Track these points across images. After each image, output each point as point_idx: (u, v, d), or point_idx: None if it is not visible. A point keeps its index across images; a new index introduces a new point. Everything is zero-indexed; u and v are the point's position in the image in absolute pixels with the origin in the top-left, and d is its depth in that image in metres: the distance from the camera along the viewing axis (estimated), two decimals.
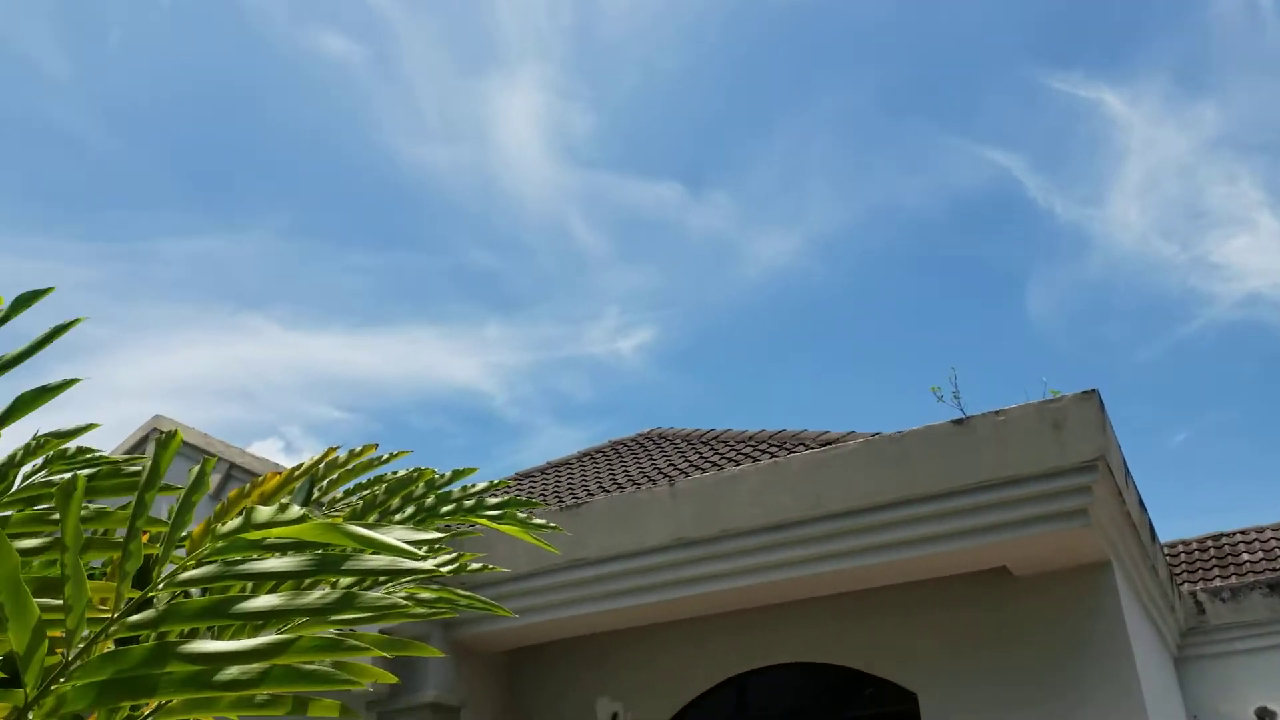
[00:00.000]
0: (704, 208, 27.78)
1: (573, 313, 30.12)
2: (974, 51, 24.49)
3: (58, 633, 1.35)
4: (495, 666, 8.44)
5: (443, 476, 2.51)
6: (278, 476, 2.50)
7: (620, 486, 9.65)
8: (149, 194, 26.46)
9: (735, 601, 7.25)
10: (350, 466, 2.66)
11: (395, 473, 2.59)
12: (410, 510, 2.48)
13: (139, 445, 9.51)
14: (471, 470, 2.52)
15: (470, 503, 2.52)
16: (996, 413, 6.14)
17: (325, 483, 2.62)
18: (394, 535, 1.27)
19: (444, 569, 1.99)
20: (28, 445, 1.51)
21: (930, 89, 24.46)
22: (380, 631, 7.43)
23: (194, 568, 1.31)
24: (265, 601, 1.36)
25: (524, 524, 2.51)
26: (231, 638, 1.51)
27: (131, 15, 23.70)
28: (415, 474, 2.46)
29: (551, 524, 2.57)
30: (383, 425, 33.00)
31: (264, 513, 1.25)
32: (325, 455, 2.61)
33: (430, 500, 2.49)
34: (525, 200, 27.98)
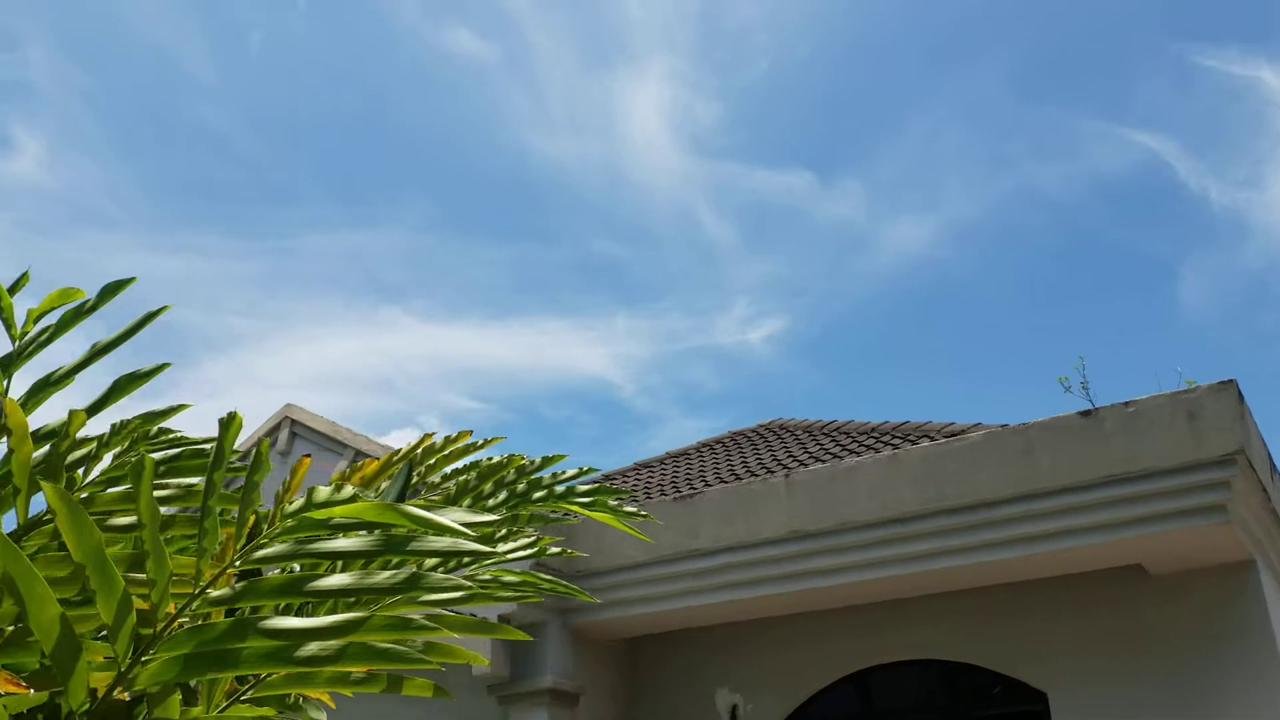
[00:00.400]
0: (834, 195, 27.35)
1: (701, 303, 30.08)
2: (1115, 31, 23.41)
3: (145, 605, 1.42)
4: (615, 654, 8.51)
5: (533, 462, 2.53)
6: (377, 462, 2.57)
7: (737, 477, 9.59)
8: (293, 191, 27.63)
9: (853, 596, 7.13)
10: (447, 452, 2.70)
11: (490, 459, 2.63)
12: (503, 496, 2.50)
13: (272, 433, 9.92)
14: (561, 457, 2.54)
15: (561, 489, 2.53)
16: (1126, 404, 5.88)
17: (424, 468, 2.67)
18: (451, 517, 1.28)
19: (518, 553, 2.01)
20: (114, 427, 1.58)
21: (1069, 71, 23.51)
22: (499, 618, 7.58)
23: (266, 546, 1.36)
24: (336, 580, 1.39)
25: (615, 511, 2.52)
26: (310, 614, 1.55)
27: (270, 18, 24.73)
28: (506, 460, 2.49)
29: (643, 513, 2.56)
30: (515, 415, 33.68)
31: (323, 492, 1.28)
32: (422, 441, 2.67)
33: (522, 486, 2.51)
34: (653, 191, 28.11)
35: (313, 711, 2.12)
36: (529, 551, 1.98)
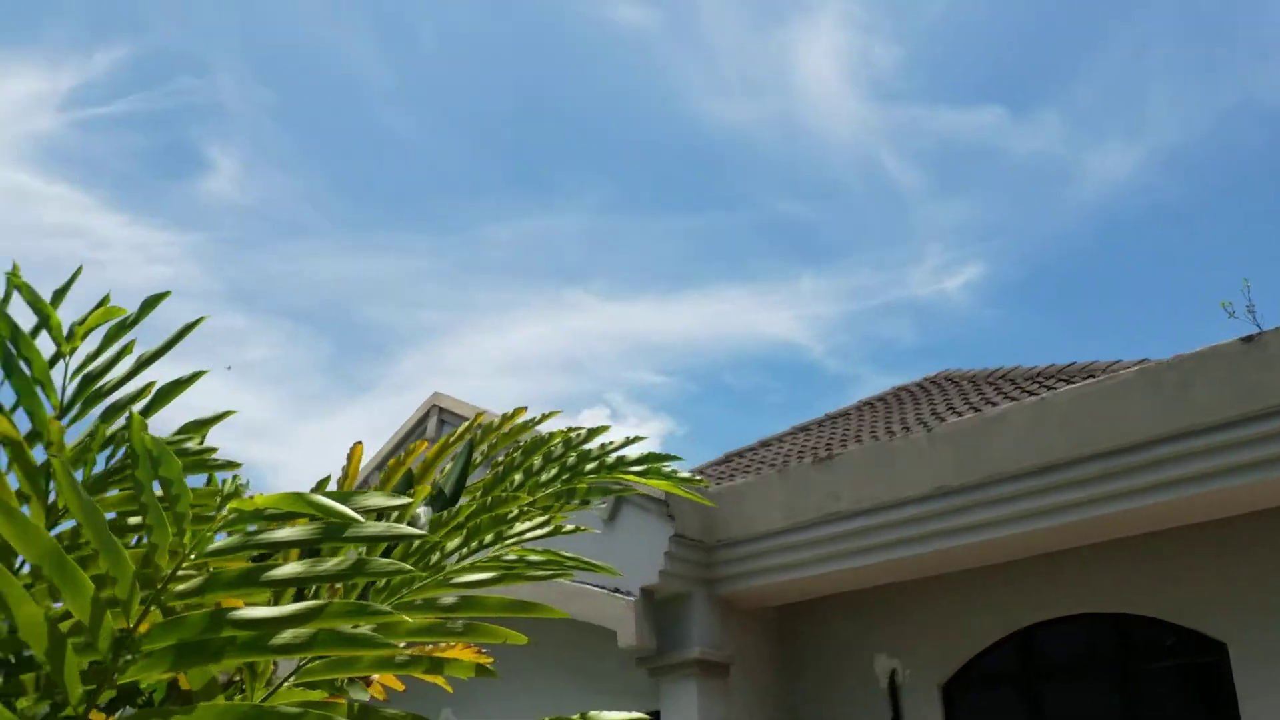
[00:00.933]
0: (1028, 129, 25.84)
1: (891, 256, 29.12)
2: None
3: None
4: (766, 622, 8.39)
5: (579, 434, 2.46)
6: (438, 443, 2.55)
7: (893, 435, 9.28)
8: (472, 183, 28.46)
9: (1005, 552, 6.79)
10: (506, 430, 2.66)
11: (581, 432, 2.57)
12: (554, 470, 2.45)
13: (420, 423, 10.20)
14: (605, 428, 2.45)
15: (611, 460, 2.45)
16: None
17: (485, 446, 2.63)
18: (366, 502, 1.22)
19: (535, 533, 1.93)
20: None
21: None
22: (641, 590, 7.57)
23: (212, 540, 1.32)
24: (288, 570, 1.36)
25: (671, 478, 2.43)
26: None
27: (439, 12, 25.40)
28: (550, 435, 2.42)
29: (698, 477, 2.46)
30: (700, 386, 33.72)
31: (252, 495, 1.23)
32: (475, 419, 2.63)
33: (572, 459, 2.45)
34: (833, 145, 27.40)
35: (355, 693, 2.11)
36: (543, 531, 1.90)
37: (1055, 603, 7.18)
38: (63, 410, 1.85)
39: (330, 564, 1.33)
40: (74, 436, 1.81)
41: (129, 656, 1.37)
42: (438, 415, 10.20)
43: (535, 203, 28.16)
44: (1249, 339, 5.47)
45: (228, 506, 1.25)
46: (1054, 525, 6.23)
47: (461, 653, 2.76)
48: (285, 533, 1.31)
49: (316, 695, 1.86)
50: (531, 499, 2.36)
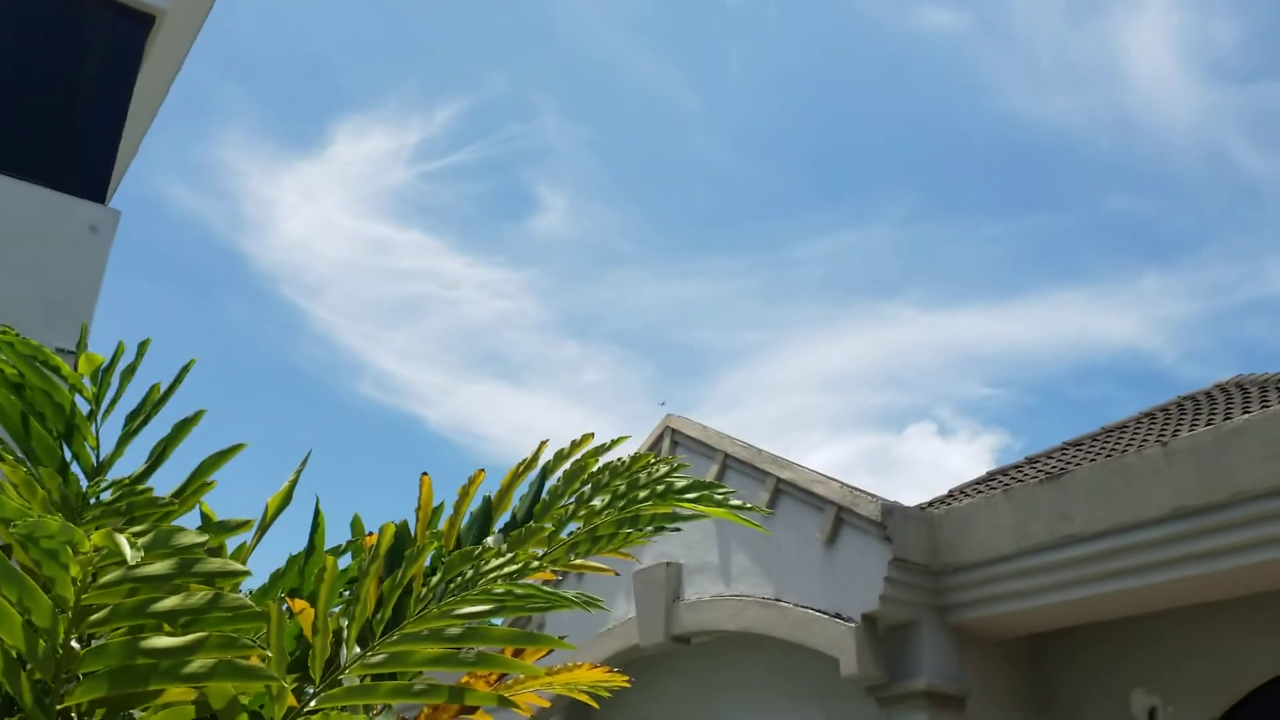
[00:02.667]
0: None
1: (1248, 248, 26.35)
2: None
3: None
4: (1012, 654, 7.84)
5: (622, 463, 2.42)
6: (510, 470, 2.61)
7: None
8: (781, 202, 28.82)
9: (1258, 581, 6.00)
10: (577, 456, 2.66)
11: (623, 460, 2.55)
12: (607, 498, 2.43)
13: (654, 445, 10.35)
14: (648, 456, 2.41)
15: (661, 488, 2.40)
16: None
17: (560, 472, 2.64)
18: (187, 538, 1.26)
19: (501, 571, 1.91)
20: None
21: None
22: (862, 616, 7.27)
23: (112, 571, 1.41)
24: (168, 602, 1.42)
25: (724, 505, 2.36)
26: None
27: (744, 35, 25.99)
28: (587, 463, 2.40)
29: (749, 504, 2.36)
30: (1037, 398, 31.96)
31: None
32: (541, 448, 2.65)
33: (621, 486, 2.42)
34: (1172, 134, 25.36)
35: (386, 716, 2.18)
36: (513, 568, 1.88)
37: None
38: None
39: (197, 598, 1.39)
40: None
41: (68, 680, 1.49)
42: (670, 437, 10.32)
43: (844, 217, 27.84)
44: None
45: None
46: None
47: (591, 674, 2.78)
48: (146, 569, 1.38)
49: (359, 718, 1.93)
50: (590, 526, 2.35)
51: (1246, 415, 5.84)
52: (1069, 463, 9.98)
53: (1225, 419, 9.58)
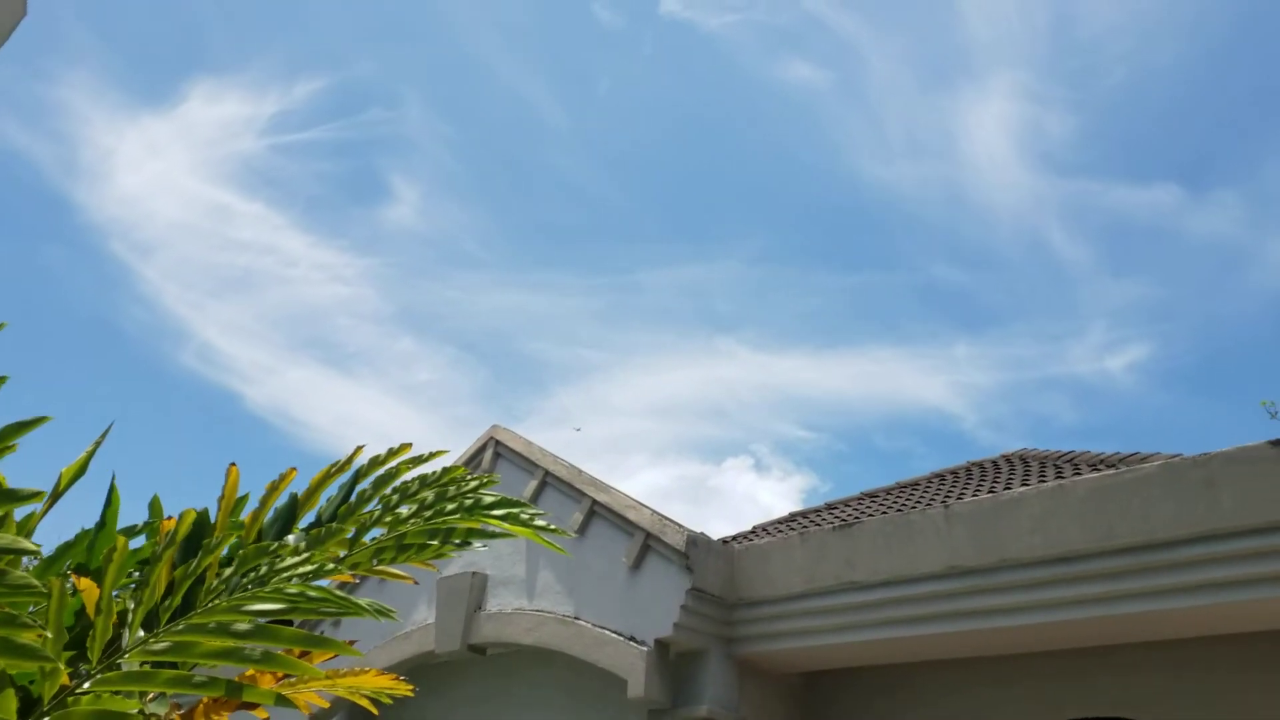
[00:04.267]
0: (1207, 210, 24.69)
1: (1052, 329, 28.18)
2: None
3: None
4: (789, 689, 8.21)
5: (435, 475, 2.49)
6: (321, 471, 2.63)
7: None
8: (634, 228, 29.02)
9: (1022, 642, 6.51)
10: (393, 464, 2.70)
11: (435, 472, 2.60)
12: (414, 507, 2.48)
13: (477, 454, 10.35)
14: (461, 469, 2.48)
15: (469, 502, 2.48)
16: None
17: (373, 477, 2.67)
18: None
19: (299, 570, 1.96)
20: None
21: None
22: (655, 642, 7.49)
23: None
24: None
25: (529, 525, 2.44)
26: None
27: (617, 64, 26.14)
28: (401, 471, 2.46)
29: (554, 527, 2.46)
30: (847, 445, 33.20)
31: None
32: (356, 452, 2.69)
33: (429, 497, 2.48)
34: (998, 213, 26.83)
35: (154, 707, 2.18)
36: (309, 568, 1.93)
37: (1083, 703, 6.84)
38: None
39: None
40: None
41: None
42: (494, 448, 10.34)
43: (692, 251, 28.36)
44: (1278, 443, 5.17)
45: None
46: (1072, 619, 5.97)
47: (375, 680, 2.81)
48: None
49: (121, 705, 1.92)
50: (397, 533, 2.40)
51: (1024, 488, 6.33)
52: (864, 512, 10.52)
53: (1006, 488, 10.32)
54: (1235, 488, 5.29)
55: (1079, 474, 8.86)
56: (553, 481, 9.25)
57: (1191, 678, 6.35)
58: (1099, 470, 8.16)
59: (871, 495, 13.21)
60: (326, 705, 2.73)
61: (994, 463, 12.70)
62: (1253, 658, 6.05)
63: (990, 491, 10.12)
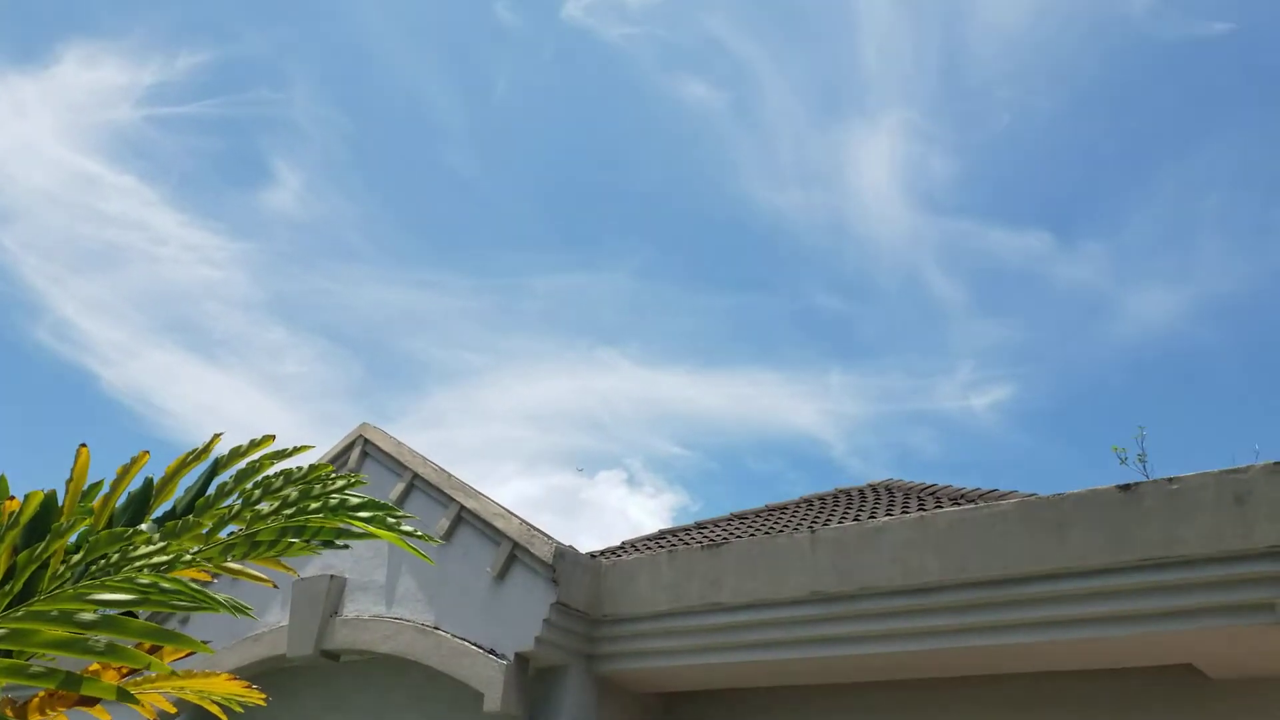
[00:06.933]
0: (1075, 259, 25.81)
1: (922, 365, 29.00)
2: None
3: None
4: (647, 708, 8.21)
5: (300, 470, 2.40)
6: (178, 459, 2.50)
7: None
8: (522, 233, 28.67)
9: (880, 669, 6.66)
10: (255, 456, 2.59)
11: (300, 468, 2.51)
12: (276, 504, 2.38)
13: (344, 452, 10.09)
14: (327, 467, 2.39)
15: (334, 502, 2.39)
16: (1170, 480, 5.32)
17: (234, 470, 2.56)
18: None
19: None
20: None
21: None
22: (515, 655, 7.39)
23: None
24: None
25: (395, 530, 2.37)
26: None
27: (516, 63, 25.84)
28: (263, 465, 2.36)
29: (421, 533, 2.39)
30: (719, 464, 33.41)
31: None
32: (215, 440, 2.58)
33: (293, 494, 2.38)
34: (879, 247, 27.51)
35: None
36: (163, 559, 1.84)
37: None
38: None
39: None
40: None
41: None
42: (362, 446, 10.10)
43: (579, 259, 28.30)
44: (1126, 487, 5.43)
45: None
46: (926, 649, 6.12)
47: (227, 685, 2.67)
48: None
49: None
50: (251, 530, 2.30)
51: (887, 518, 6.48)
52: (732, 533, 10.63)
53: (871, 517, 10.58)
54: (1084, 528, 5.53)
55: (940, 507, 9.15)
56: (421, 485, 9.09)
57: (1039, 714, 6.58)
58: (959, 504, 8.42)
59: (741, 516, 13.38)
60: (173, 710, 2.59)
61: (861, 491, 13.01)
62: (1094, 695, 6.31)
63: (856, 519, 10.36)
